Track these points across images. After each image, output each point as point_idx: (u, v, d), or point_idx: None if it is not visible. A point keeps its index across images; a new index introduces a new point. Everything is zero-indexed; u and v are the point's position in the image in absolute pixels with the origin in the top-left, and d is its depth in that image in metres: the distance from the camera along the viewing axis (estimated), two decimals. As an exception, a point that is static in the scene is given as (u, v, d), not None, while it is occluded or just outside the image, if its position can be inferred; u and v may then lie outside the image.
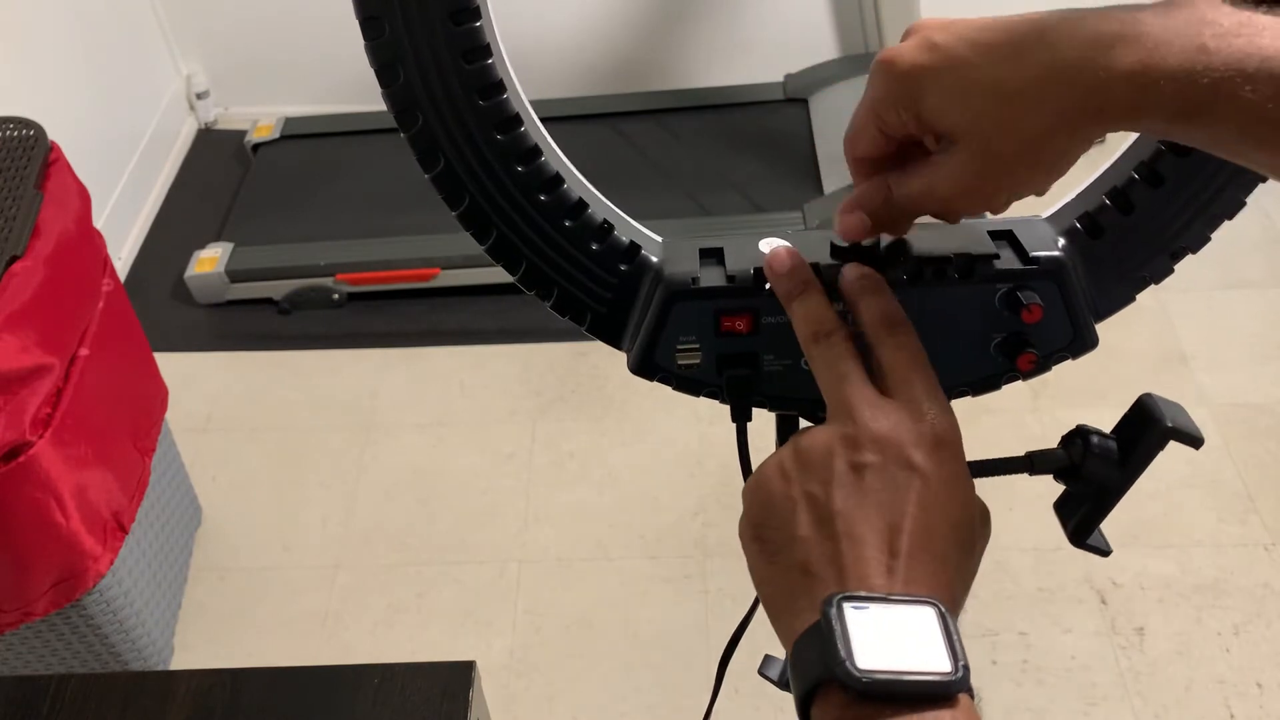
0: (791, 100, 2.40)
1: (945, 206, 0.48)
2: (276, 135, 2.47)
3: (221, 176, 2.49)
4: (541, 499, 1.83)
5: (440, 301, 2.17)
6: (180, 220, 2.41)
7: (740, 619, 0.62)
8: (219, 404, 2.02)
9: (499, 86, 0.51)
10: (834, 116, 2.30)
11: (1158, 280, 0.56)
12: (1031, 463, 0.53)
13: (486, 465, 1.89)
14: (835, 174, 2.16)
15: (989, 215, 0.49)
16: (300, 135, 2.48)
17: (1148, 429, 0.51)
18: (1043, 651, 1.59)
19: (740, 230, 2.09)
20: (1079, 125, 0.41)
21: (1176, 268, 0.56)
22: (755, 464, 0.51)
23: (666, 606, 1.67)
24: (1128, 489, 0.53)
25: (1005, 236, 0.54)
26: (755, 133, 2.35)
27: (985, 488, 0.52)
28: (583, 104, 2.45)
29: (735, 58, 2.54)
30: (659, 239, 0.56)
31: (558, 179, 0.53)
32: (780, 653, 0.45)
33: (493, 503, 1.83)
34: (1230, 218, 0.54)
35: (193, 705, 0.78)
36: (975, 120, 0.43)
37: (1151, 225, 0.54)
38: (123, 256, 2.31)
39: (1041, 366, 0.55)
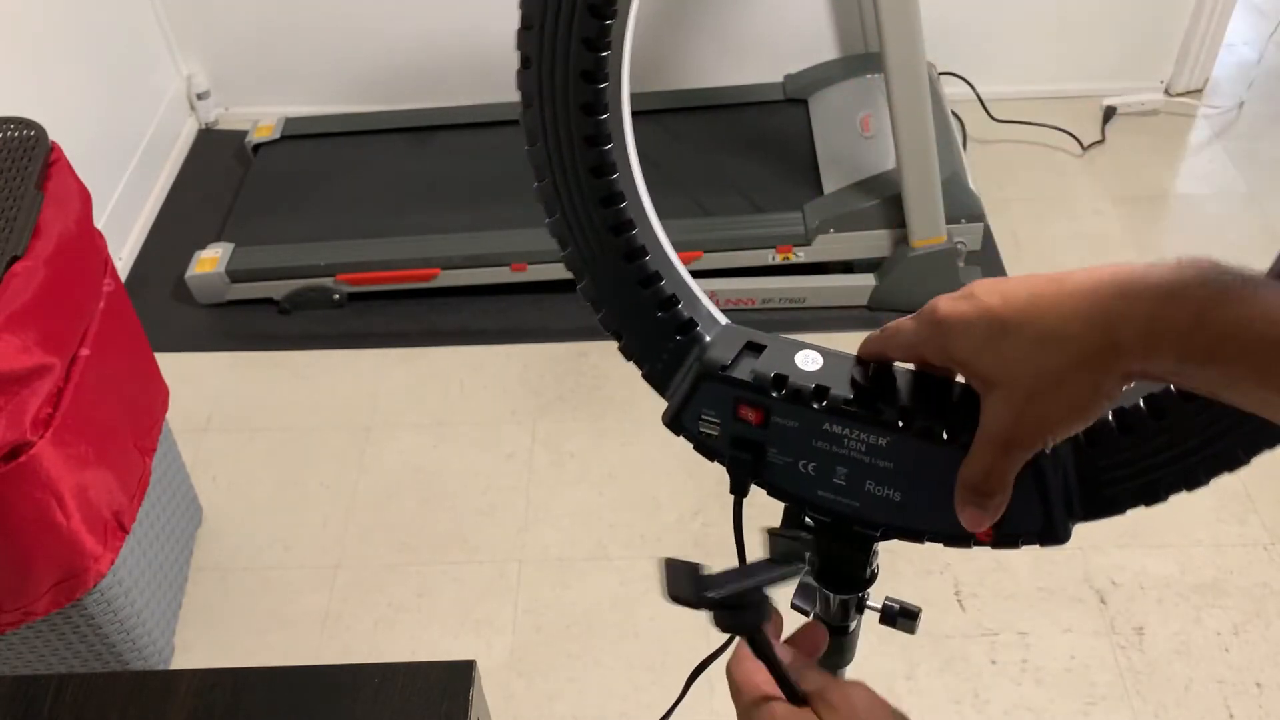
0: (791, 100, 2.40)
1: (1004, 449, 0.51)
2: (276, 135, 2.47)
3: (222, 176, 2.49)
4: (541, 499, 1.83)
5: (440, 301, 2.18)
6: (180, 220, 2.42)
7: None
8: (219, 404, 2.02)
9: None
10: (834, 117, 2.30)
11: (1148, 504, 0.56)
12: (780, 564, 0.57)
13: (486, 465, 1.89)
14: (835, 174, 2.16)
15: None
16: (300, 135, 2.47)
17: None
18: (1042, 651, 1.59)
19: (743, 226, 2.10)
20: (1098, 368, 0.46)
21: None
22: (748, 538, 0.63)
23: (666, 606, 1.66)
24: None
25: None
26: (755, 133, 2.35)
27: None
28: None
29: (735, 58, 2.54)
30: (723, 321, 0.64)
31: (642, 250, 0.63)
32: None
33: (493, 503, 1.83)
34: (1231, 469, 0.54)
35: (193, 705, 0.78)
36: (1002, 363, 0.49)
37: (1140, 451, 0.54)
38: (123, 256, 2.31)
39: (1005, 543, 0.56)
